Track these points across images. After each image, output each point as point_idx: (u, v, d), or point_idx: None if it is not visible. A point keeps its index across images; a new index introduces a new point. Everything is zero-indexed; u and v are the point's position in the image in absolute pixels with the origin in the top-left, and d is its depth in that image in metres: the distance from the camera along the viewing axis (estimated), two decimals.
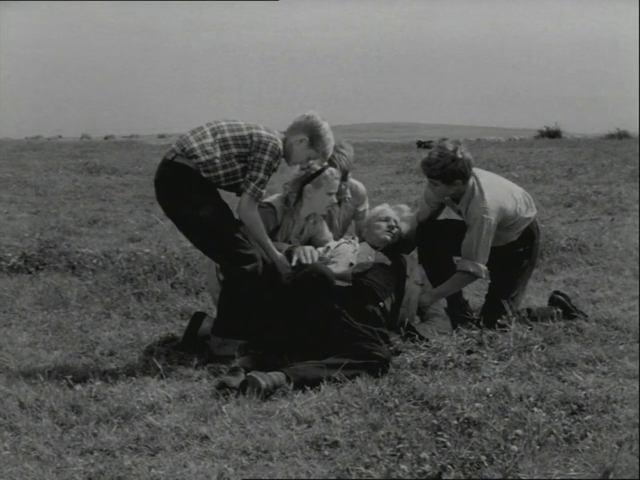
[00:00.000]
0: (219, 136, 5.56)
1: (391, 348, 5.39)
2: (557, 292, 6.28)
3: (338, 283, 5.53)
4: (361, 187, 6.53)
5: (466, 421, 4.19)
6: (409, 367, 5.13)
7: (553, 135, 33.41)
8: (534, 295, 6.86)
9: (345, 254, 5.85)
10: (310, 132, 5.68)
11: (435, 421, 4.22)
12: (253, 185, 5.52)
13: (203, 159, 5.48)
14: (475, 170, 5.93)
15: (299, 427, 4.32)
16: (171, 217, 5.76)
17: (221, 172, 5.50)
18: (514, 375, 4.94)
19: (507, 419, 4.19)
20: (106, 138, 42.37)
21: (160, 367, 5.21)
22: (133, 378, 5.10)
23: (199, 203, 5.49)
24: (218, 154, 5.50)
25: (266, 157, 5.51)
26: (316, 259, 5.70)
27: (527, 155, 21.31)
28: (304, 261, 5.61)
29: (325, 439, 4.13)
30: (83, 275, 7.83)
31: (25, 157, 22.09)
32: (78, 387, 4.94)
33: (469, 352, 5.34)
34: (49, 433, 4.31)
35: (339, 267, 5.70)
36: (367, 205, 6.55)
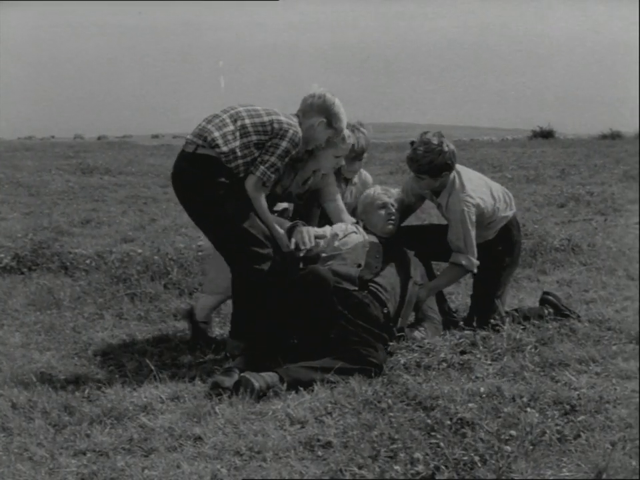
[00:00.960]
0: (239, 123, 5.42)
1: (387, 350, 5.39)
2: (547, 292, 6.28)
3: (344, 284, 5.50)
4: (369, 177, 6.48)
5: (459, 421, 4.18)
6: (402, 367, 5.12)
7: (546, 135, 33.51)
8: (527, 295, 6.87)
9: (354, 250, 5.71)
10: (326, 112, 5.59)
11: (428, 422, 4.21)
12: (262, 167, 5.41)
13: (225, 148, 5.35)
14: (457, 165, 5.92)
15: (292, 428, 4.31)
16: (189, 212, 5.64)
17: (240, 161, 5.39)
18: (507, 376, 4.94)
19: (500, 420, 4.19)
20: (99, 138, 42.38)
21: (153, 367, 5.19)
22: (126, 379, 5.09)
23: (220, 198, 5.37)
24: (238, 142, 5.38)
25: (284, 143, 5.41)
26: (313, 243, 5.63)
27: (520, 155, 21.37)
28: (302, 247, 5.57)
29: (319, 440, 4.13)
30: (76, 275, 7.82)
31: (17, 157, 22.10)
32: (71, 387, 4.93)
33: (462, 352, 5.35)
34: (42, 434, 4.30)
35: (347, 267, 5.60)
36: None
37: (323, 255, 5.70)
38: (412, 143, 5.94)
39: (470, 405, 4.36)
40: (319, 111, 5.59)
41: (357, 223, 6.02)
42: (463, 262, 5.83)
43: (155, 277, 7.38)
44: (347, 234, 5.81)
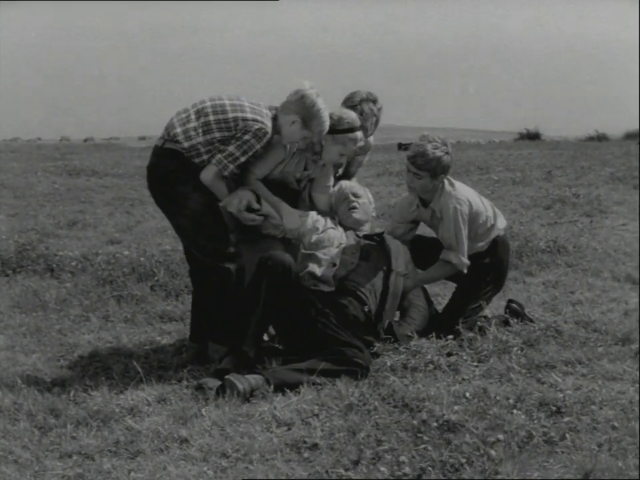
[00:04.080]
0: (202, 119, 5.40)
1: (372, 350, 5.38)
2: (511, 300, 6.27)
3: (321, 286, 5.51)
4: (370, 138, 6.25)
5: (445, 423, 4.18)
6: (388, 369, 5.12)
7: (532, 137, 33.65)
8: (513, 297, 6.85)
9: (329, 248, 5.70)
10: (303, 112, 5.49)
11: (414, 423, 4.21)
12: (219, 156, 5.35)
13: (186, 144, 5.37)
14: None
15: (278, 430, 4.30)
16: (159, 206, 5.65)
17: (205, 157, 5.37)
18: (493, 377, 4.94)
19: (486, 421, 4.19)
20: (85, 140, 42.29)
21: (139, 369, 5.18)
22: (112, 381, 5.07)
23: (187, 192, 5.37)
24: (201, 139, 5.36)
25: (246, 137, 5.34)
26: (240, 209, 5.53)
27: (506, 157, 21.42)
28: (229, 208, 5.50)
29: (305, 442, 4.12)
30: (62, 277, 7.81)
31: (2, 159, 22.06)
32: (56, 390, 4.92)
33: (449, 354, 5.34)
34: (27, 437, 4.28)
35: (322, 268, 5.60)
36: (366, 158, 6.40)
37: (303, 251, 5.70)
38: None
39: (456, 406, 4.37)
40: (296, 109, 5.50)
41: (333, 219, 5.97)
42: (453, 260, 5.82)
43: (141, 279, 7.38)
44: (325, 229, 5.79)
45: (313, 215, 5.81)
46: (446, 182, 5.87)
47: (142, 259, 7.83)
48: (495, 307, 6.36)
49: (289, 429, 4.30)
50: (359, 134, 5.79)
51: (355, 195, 5.94)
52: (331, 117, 5.66)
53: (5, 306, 6.92)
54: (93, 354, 5.72)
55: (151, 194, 5.67)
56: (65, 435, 4.29)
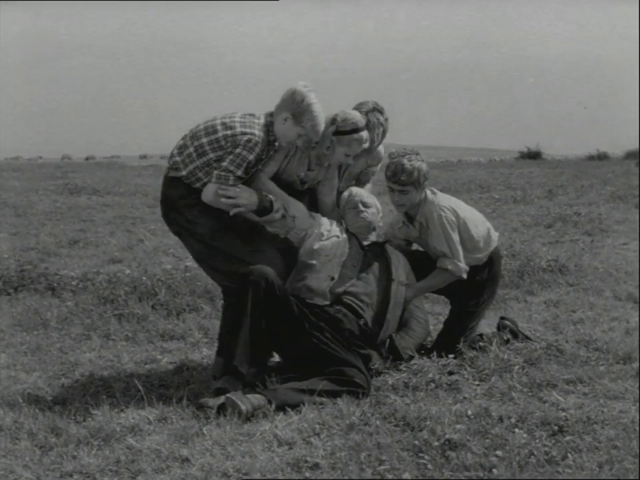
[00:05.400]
0: (196, 143, 5.41)
1: (373, 368, 5.37)
2: (503, 317, 6.26)
3: (316, 300, 5.50)
4: (381, 150, 6.15)
5: (447, 442, 4.18)
6: (390, 388, 5.12)
7: (533, 156, 33.69)
8: (514, 316, 6.85)
9: (329, 261, 5.66)
10: (293, 108, 5.43)
11: (415, 443, 4.21)
12: (217, 172, 5.34)
13: (184, 172, 5.42)
14: None
15: (280, 449, 4.29)
16: (175, 234, 5.70)
17: (205, 179, 5.39)
18: (495, 396, 4.94)
19: (487, 440, 4.18)
20: (87, 159, 42.35)
21: (140, 388, 5.18)
22: (113, 400, 5.06)
23: (194, 218, 5.42)
24: (197, 162, 5.38)
25: (237, 150, 5.32)
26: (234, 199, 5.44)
27: (507, 176, 21.45)
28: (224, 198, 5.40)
29: (306, 461, 4.11)
30: (63, 296, 7.80)
31: (4, 177, 22.08)
32: (57, 408, 4.90)
33: (450, 373, 5.34)
34: (28, 456, 4.27)
35: (319, 282, 5.60)
36: (378, 168, 6.30)
37: (302, 259, 5.66)
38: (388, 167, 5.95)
39: (458, 426, 4.36)
40: (287, 106, 5.45)
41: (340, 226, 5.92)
42: (449, 266, 5.78)
43: (142, 297, 7.37)
44: (329, 237, 5.75)
45: (322, 219, 5.81)
46: (428, 192, 5.87)
47: (143, 277, 7.82)
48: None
49: (291, 448, 4.29)
50: (365, 134, 5.73)
51: (364, 204, 5.91)
52: (335, 119, 5.66)
53: (6, 324, 6.91)
54: (94, 372, 5.70)
55: (165, 222, 5.72)
56: (65, 454, 4.28)
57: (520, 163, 29.33)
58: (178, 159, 5.47)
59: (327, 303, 5.52)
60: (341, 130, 5.66)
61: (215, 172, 5.35)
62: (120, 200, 16.86)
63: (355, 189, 5.99)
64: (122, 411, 4.87)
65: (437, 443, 4.17)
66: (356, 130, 5.69)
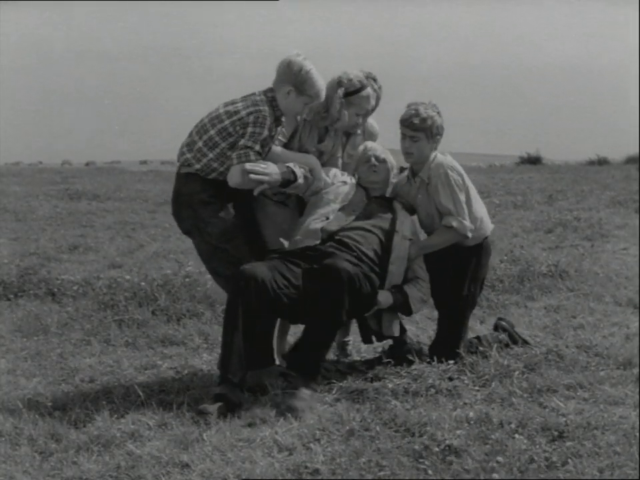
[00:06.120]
0: (204, 137, 5.40)
1: (369, 374, 5.39)
2: (500, 318, 6.25)
3: (306, 241, 5.45)
4: (375, 127, 6.15)
5: (447, 448, 4.18)
6: (390, 393, 5.11)
7: (533, 161, 33.65)
8: (514, 321, 6.84)
9: (331, 204, 5.65)
10: (293, 80, 5.41)
11: (416, 448, 4.21)
12: (236, 153, 5.31)
13: (198, 165, 5.38)
14: None
15: (280, 455, 4.29)
16: (184, 232, 5.66)
17: (221, 169, 5.37)
18: (495, 402, 4.93)
19: (488, 446, 4.18)
20: (87, 164, 42.37)
21: (141, 394, 5.18)
22: (113, 405, 5.05)
23: (208, 217, 5.37)
24: (211, 155, 5.36)
25: (249, 129, 5.31)
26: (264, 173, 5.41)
27: (507, 181, 21.45)
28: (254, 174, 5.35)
29: (306, 467, 4.11)
30: (63, 301, 7.80)
31: (4, 182, 22.08)
32: (57, 414, 4.90)
33: (450, 378, 5.33)
34: (28, 462, 4.27)
35: (315, 220, 5.55)
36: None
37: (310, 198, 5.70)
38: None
39: (458, 431, 4.36)
40: (287, 79, 5.42)
41: (352, 177, 5.90)
42: (454, 223, 5.65)
43: (142, 303, 7.37)
44: (337, 182, 5.76)
45: (333, 169, 5.84)
46: (439, 154, 5.80)
47: (143, 283, 7.82)
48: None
49: (291, 454, 4.29)
50: (370, 90, 5.74)
51: (378, 159, 5.84)
52: (340, 81, 5.67)
53: (6, 330, 6.92)
54: (94, 378, 5.71)
55: (175, 220, 5.66)
56: (65, 459, 4.28)
57: (520, 168, 29.30)
58: (189, 155, 5.43)
59: (317, 241, 5.45)
60: (350, 90, 5.68)
61: (234, 154, 5.32)
62: (120, 205, 16.85)
63: (370, 143, 5.95)
64: (122, 416, 4.87)
65: (437, 449, 4.17)
66: (364, 87, 5.70)
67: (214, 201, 5.41)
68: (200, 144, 5.41)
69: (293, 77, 5.41)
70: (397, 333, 5.67)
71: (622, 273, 8.76)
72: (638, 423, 4.48)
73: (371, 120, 6.06)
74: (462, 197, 5.71)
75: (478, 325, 6.71)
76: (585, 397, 4.99)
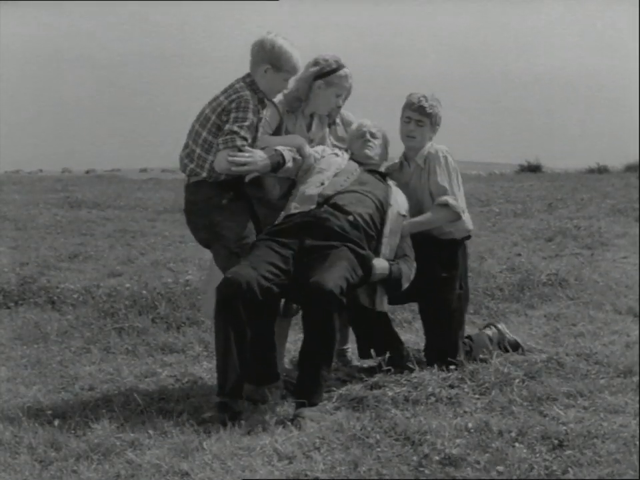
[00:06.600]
0: (199, 141, 5.34)
1: (369, 381, 5.39)
2: (489, 323, 6.32)
3: (301, 207, 5.40)
4: (351, 115, 6.13)
5: (447, 456, 4.17)
6: (390, 401, 5.10)
7: (533, 169, 33.66)
8: (514, 330, 6.85)
9: (328, 169, 5.61)
10: (268, 57, 5.37)
11: (415, 457, 4.21)
12: (221, 138, 5.26)
13: (204, 173, 5.33)
14: None
15: (280, 463, 4.29)
16: (200, 242, 5.60)
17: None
18: (495, 410, 4.92)
19: (488, 455, 4.18)
20: (87, 172, 42.42)
21: (140, 402, 5.18)
22: (113, 413, 5.05)
23: (222, 221, 5.31)
24: (210, 157, 5.31)
25: (233, 114, 5.26)
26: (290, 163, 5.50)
27: (507, 189, 21.45)
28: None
29: (306, 475, 4.11)
30: (63, 309, 7.80)
31: (4, 191, 22.09)
32: (57, 422, 4.88)
33: (450, 386, 5.33)
34: (28, 470, 4.26)
35: (310, 187, 5.51)
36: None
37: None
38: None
39: (458, 440, 4.36)
40: (262, 58, 5.39)
41: (346, 151, 5.89)
42: (449, 200, 5.70)
43: (142, 311, 7.37)
44: (326, 155, 5.74)
45: (323, 146, 5.84)
46: (434, 144, 5.90)
47: (143, 291, 7.83)
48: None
49: (291, 463, 4.29)
50: (347, 70, 5.74)
51: (372, 135, 5.86)
52: (317, 61, 5.69)
53: (6, 338, 6.92)
54: (94, 386, 5.70)
55: (192, 231, 5.60)
56: (65, 468, 4.28)
57: (520, 177, 29.29)
58: (192, 165, 5.38)
59: (313, 206, 5.39)
60: (327, 70, 5.67)
61: (220, 139, 5.29)
62: (120, 213, 16.85)
63: (364, 120, 5.98)
64: (122, 424, 4.86)
65: (437, 457, 4.17)
66: (340, 66, 5.70)
67: (229, 205, 5.36)
68: (198, 150, 5.37)
69: (267, 54, 5.38)
70: (387, 309, 5.60)
71: (622, 282, 8.76)
72: (638, 431, 4.48)
73: (344, 111, 6.06)
74: (457, 179, 5.80)
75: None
76: (585, 406, 4.98)
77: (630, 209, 15.35)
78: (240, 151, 5.28)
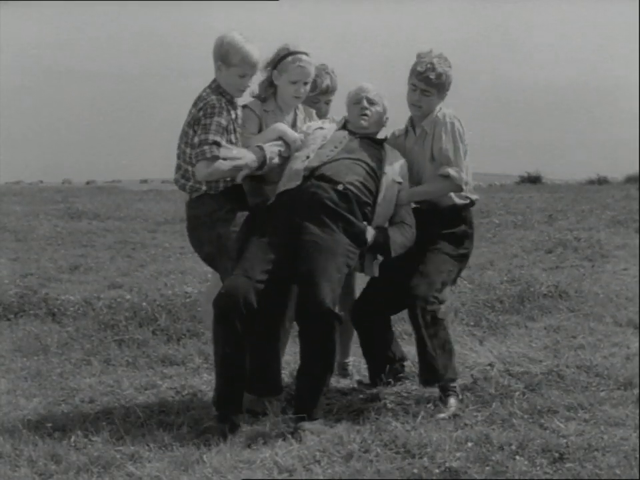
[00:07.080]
0: (186, 158, 5.28)
1: (369, 394, 5.39)
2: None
3: (287, 185, 5.30)
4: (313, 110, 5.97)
5: (447, 470, 4.17)
6: (390, 414, 5.10)
7: (533, 180, 33.74)
8: (515, 342, 6.86)
9: (314, 142, 5.49)
10: (219, 54, 5.31)
11: (415, 470, 4.20)
12: (193, 152, 5.21)
13: (204, 186, 5.27)
14: None
15: (280, 476, 4.28)
16: (205, 260, 5.53)
17: (221, 182, 5.30)
18: (496, 423, 4.92)
19: (488, 468, 4.17)
20: (88, 183, 42.47)
21: (140, 414, 5.17)
22: (114, 426, 5.04)
23: (228, 232, 5.23)
24: (184, 165, 5.30)
25: (202, 122, 5.20)
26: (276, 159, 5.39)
27: (507, 201, 21.49)
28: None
29: None
30: (64, 321, 7.80)
31: (5, 202, 22.11)
32: (57, 435, 4.88)
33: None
34: None
35: (297, 161, 5.38)
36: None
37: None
38: None
39: (458, 453, 4.35)
40: (215, 56, 5.34)
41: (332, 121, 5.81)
42: (451, 172, 5.52)
43: (143, 323, 7.37)
44: (314, 129, 5.63)
45: (308, 123, 5.72)
46: (443, 108, 5.69)
47: (143, 303, 7.83)
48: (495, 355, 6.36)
49: (291, 476, 4.28)
50: (303, 56, 5.49)
51: (370, 101, 5.68)
52: (277, 51, 5.52)
53: (6, 350, 6.91)
54: (94, 398, 5.69)
55: (196, 247, 5.50)
56: None
57: (520, 188, 29.40)
58: (191, 182, 5.31)
59: (299, 182, 5.27)
60: (276, 58, 5.51)
61: (192, 152, 5.24)
62: (120, 225, 16.88)
63: (365, 84, 5.80)
64: (122, 437, 4.85)
65: (437, 470, 4.16)
66: (291, 53, 5.50)
67: (232, 217, 5.30)
68: (189, 168, 5.30)
69: (217, 51, 5.33)
70: (376, 274, 5.50)
71: (622, 294, 8.76)
72: (638, 444, 4.47)
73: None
74: (463, 148, 5.60)
75: (478, 346, 6.68)
76: (586, 418, 4.98)
77: (630, 221, 15.38)
78: (216, 158, 5.22)
